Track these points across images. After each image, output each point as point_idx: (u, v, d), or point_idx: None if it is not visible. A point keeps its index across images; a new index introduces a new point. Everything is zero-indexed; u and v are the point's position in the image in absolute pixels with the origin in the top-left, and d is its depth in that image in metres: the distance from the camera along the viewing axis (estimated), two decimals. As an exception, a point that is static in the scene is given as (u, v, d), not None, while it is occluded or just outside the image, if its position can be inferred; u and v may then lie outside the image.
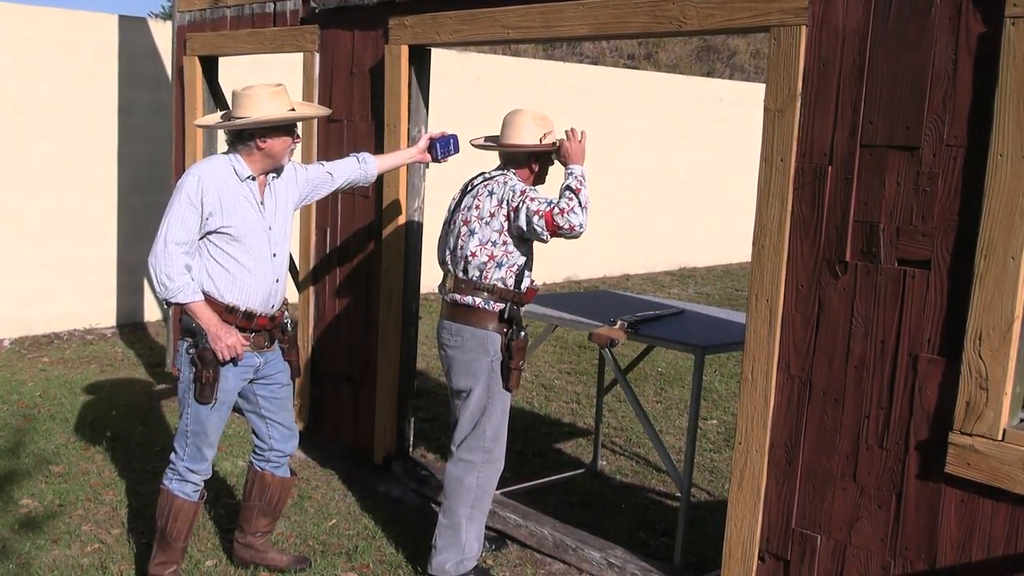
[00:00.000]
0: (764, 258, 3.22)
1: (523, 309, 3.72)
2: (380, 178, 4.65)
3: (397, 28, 4.52)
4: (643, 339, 3.99)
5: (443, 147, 4.03)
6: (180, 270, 3.25)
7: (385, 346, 4.71)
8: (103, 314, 8.07)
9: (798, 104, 3.12)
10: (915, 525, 2.92)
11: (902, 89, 2.89)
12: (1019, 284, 2.67)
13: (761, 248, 3.23)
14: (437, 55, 8.14)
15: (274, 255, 3.47)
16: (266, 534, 3.84)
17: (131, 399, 5.97)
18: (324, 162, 3.88)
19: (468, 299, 3.59)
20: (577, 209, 3.41)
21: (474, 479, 3.63)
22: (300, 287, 5.27)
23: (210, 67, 6.04)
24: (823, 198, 3.08)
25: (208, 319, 3.29)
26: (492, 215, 3.53)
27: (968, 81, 2.76)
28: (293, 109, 3.43)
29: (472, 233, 3.57)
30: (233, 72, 6.19)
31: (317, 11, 5.00)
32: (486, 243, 3.54)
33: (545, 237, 3.45)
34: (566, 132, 3.64)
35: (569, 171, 3.54)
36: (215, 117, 3.60)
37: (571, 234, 3.43)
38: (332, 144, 4.99)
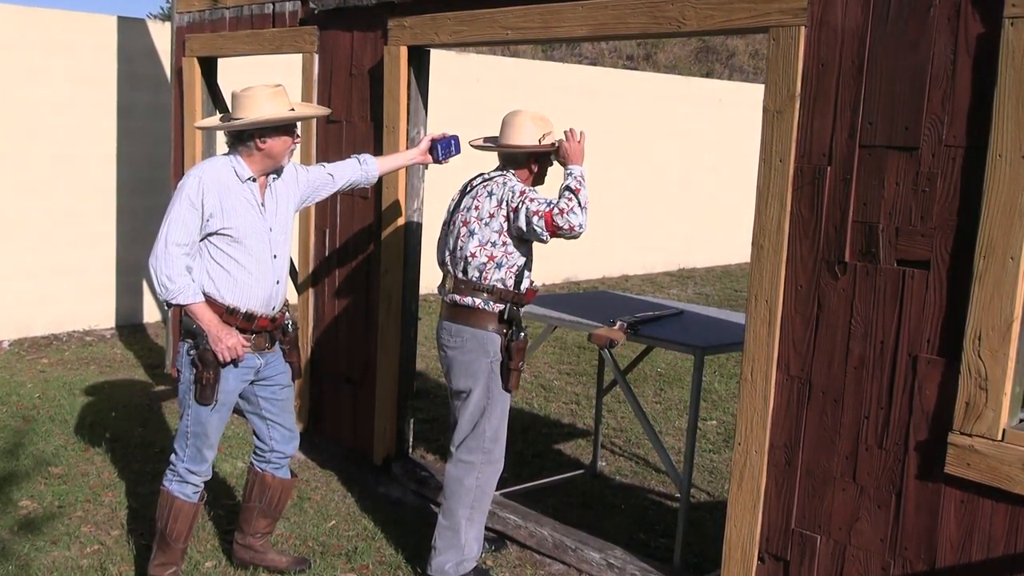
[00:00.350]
0: (763, 259, 3.22)
1: (523, 310, 3.72)
2: (379, 179, 4.66)
3: (396, 29, 4.52)
4: (642, 340, 3.99)
5: (444, 148, 4.03)
6: (181, 271, 3.25)
7: (384, 347, 4.71)
8: (102, 315, 8.07)
9: (797, 105, 3.12)
10: (915, 525, 2.92)
11: (901, 89, 2.89)
12: (1018, 284, 2.67)
13: (760, 249, 3.23)
14: (436, 56, 8.13)
15: (275, 256, 3.47)
16: (266, 535, 3.84)
17: (130, 400, 5.97)
18: (325, 164, 3.88)
19: (468, 300, 3.59)
20: (577, 209, 3.41)
21: (473, 480, 3.63)
22: (300, 288, 5.27)
23: (209, 68, 6.04)
24: (822, 198, 3.08)
25: (209, 320, 3.29)
26: (491, 216, 3.53)
27: (967, 81, 2.76)
28: (293, 109, 3.43)
29: (472, 234, 3.57)
30: (232, 73, 6.19)
31: (316, 12, 5.00)
32: (485, 244, 3.54)
33: (545, 237, 3.45)
34: (565, 132, 3.64)
35: (568, 171, 3.54)
36: (215, 119, 3.60)
37: (571, 234, 3.43)
38: (331, 145, 4.99)
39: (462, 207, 3.68)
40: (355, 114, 4.86)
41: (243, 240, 3.35)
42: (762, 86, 3.34)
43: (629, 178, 11.66)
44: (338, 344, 5.09)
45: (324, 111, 3.95)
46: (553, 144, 3.66)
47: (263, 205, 3.44)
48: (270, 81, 3.61)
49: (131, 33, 7.94)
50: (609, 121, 11.22)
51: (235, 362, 3.37)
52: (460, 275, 3.62)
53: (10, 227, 7.47)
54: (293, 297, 4.94)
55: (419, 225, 4.71)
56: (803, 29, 3.09)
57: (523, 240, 3.57)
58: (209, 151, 5.97)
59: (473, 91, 10.08)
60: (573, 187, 3.47)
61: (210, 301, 3.33)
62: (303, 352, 5.23)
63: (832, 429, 3.09)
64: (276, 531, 4.09)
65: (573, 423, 5.99)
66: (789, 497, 3.20)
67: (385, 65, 4.61)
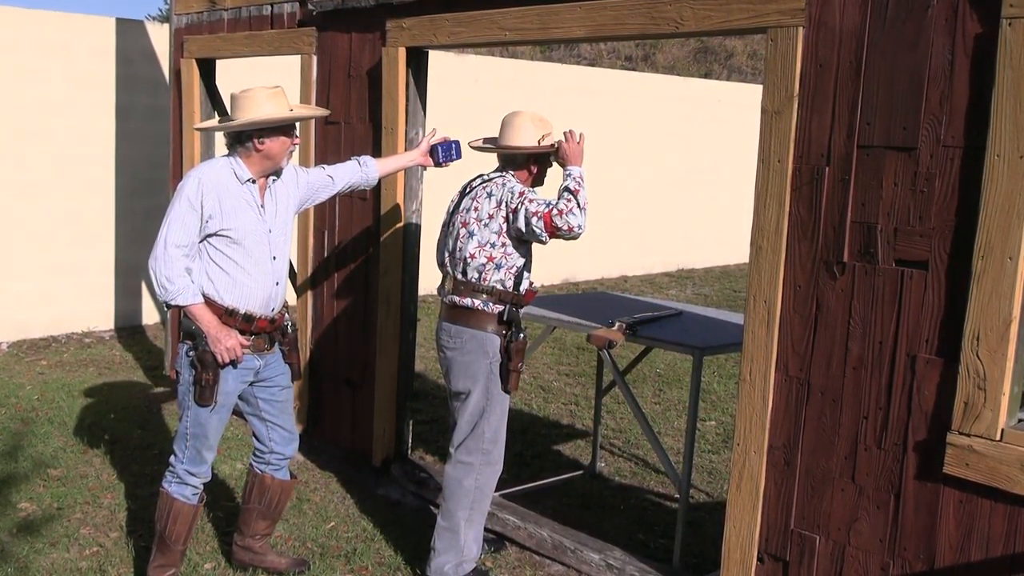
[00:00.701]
0: (762, 259, 3.22)
1: (522, 311, 3.72)
2: (378, 181, 4.66)
3: (395, 30, 4.53)
4: (641, 340, 4.00)
5: (445, 152, 4.03)
6: (180, 272, 3.25)
7: (383, 348, 4.71)
8: (101, 317, 8.07)
9: (795, 105, 3.12)
10: (914, 526, 2.92)
11: (899, 90, 2.89)
12: (1016, 285, 2.67)
13: (759, 249, 3.23)
14: (435, 57, 8.13)
15: (274, 258, 3.47)
16: (265, 536, 3.84)
17: (129, 402, 5.97)
18: (325, 166, 3.88)
19: (467, 301, 3.59)
20: (576, 210, 3.41)
21: (473, 481, 3.63)
22: (299, 290, 5.27)
23: (207, 70, 6.04)
24: (821, 199, 3.08)
25: (208, 321, 3.29)
26: (491, 217, 3.53)
27: (965, 82, 2.77)
28: (292, 110, 3.43)
29: (471, 235, 3.57)
30: (231, 75, 6.19)
31: (315, 13, 5.00)
32: (485, 245, 3.54)
33: (544, 238, 3.45)
34: (565, 133, 3.64)
35: (567, 172, 3.54)
36: (213, 121, 3.60)
37: (570, 235, 3.42)
38: (330, 146, 4.99)
39: (461, 208, 3.67)
40: (354, 115, 4.86)
41: (242, 241, 3.35)
42: (760, 87, 3.34)
43: (628, 179, 11.66)
44: (337, 345, 5.08)
45: (322, 112, 3.95)
46: (553, 145, 3.66)
47: (263, 207, 3.44)
48: (269, 83, 3.61)
49: (129, 35, 7.94)
50: (608, 122, 11.22)
51: (234, 363, 3.37)
52: (459, 276, 3.62)
53: (9, 228, 7.47)
54: (292, 298, 4.94)
55: (418, 226, 4.71)
56: (801, 30, 3.09)
57: (522, 241, 3.57)
58: (208, 153, 5.97)
59: (472, 92, 10.08)
60: (572, 188, 3.47)
61: (209, 302, 3.33)
62: (302, 353, 5.23)
63: (831, 429, 3.09)
64: (275, 532, 4.08)
65: (572, 424, 5.99)
66: (788, 497, 3.21)
67: (383, 66, 4.61)
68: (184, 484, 3.51)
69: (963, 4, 2.75)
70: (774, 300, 3.19)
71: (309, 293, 5.21)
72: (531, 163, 3.68)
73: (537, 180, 3.75)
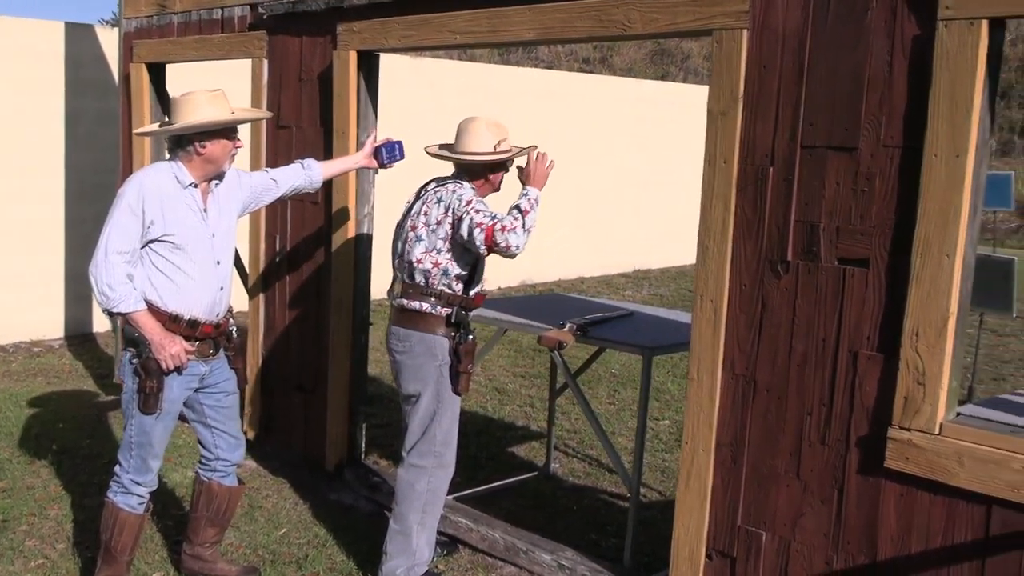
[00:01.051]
0: (708, 259, 3.26)
1: (473, 312, 3.72)
2: (329, 185, 4.64)
3: (345, 34, 4.51)
4: (592, 341, 4.01)
5: (389, 153, 4.03)
6: (122, 280, 3.20)
7: (336, 353, 4.68)
8: (50, 326, 7.94)
9: (740, 106, 3.15)
10: (856, 520, 2.96)
11: (840, 91, 2.94)
12: (953, 281, 2.73)
13: (705, 249, 3.27)
14: (390, 60, 8.10)
15: (218, 263, 3.43)
16: (215, 544, 3.80)
17: (78, 411, 5.88)
18: (268, 169, 3.85)
19: (416, 304, 3.58)
20: (520, 230, 3.36)
21: (425, 484, 3.62)
22: (250, 295, 5.23)
23: (157, 74, 5.98)
24: (765, 199, 3.12)
25: (151, 328, 3.25)
26: (438, 223, 3.52)
27: (903, 83, 2.82)
28: (233, 113, 3.40)
29: (419, 239, 3.57)
30: (182, 79, 6.12)
31: (265, 17, 4.97)
32: (431, 250, 3.54)
33: (482, 250, 3.41)
34: (533, 154, 3.62)
35: (525, 192, 3.51)
36: (155, 125, 3.56)
37: (506, 253, 3.37)
38: (281, 150, 4.96)
39: (414, 211, 3.66)
40: (305, 119, 4.84)
41: (186, 247, 3.31)
42: (715, 89, 3.37)
43: (585, 181, 11.71)
44: (289, 351, 5.05)
45: (264, 114, 3.92)
46: (510, 151, 3.65)
47: (205, 211, 3.41)
48: (220, 87, 3.58)
49: (79, 39, 7.83)
50: (564, 124, 11.26)
51: (179, 370, 3.33)
52: (408, 279, 3.61)
53: (-46, 236, 7.33)
54: (244, 304, 4.90)
55: (370, 230, 4.70)
56: (745, 32, 3.13)
57: (467, 248, 3.56)
58: (158, 158, 5.90)
59: (428, 95, 10.07)
60: (523, 208, 3.43)
61: (152, 309, 3.29)
62: (254, 359, 5.19)
63: (776, 426, 3.13)
64: (226, 540, 4.05)
65: (527, 425, 6.00)
66: (735, 494, 3.24)
67: (334, 70, 4.60)
68: (130, 494, 3.46)
69: (901, 6, 2.80)
70: (720, 299, 3.22)
71: (261, 298, 5.17)
72: (487, 171, 3.66)
73: (494, 187, 3.72)
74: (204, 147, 3.32)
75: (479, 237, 3.38)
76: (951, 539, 2.78)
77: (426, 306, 3.57)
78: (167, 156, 3.43)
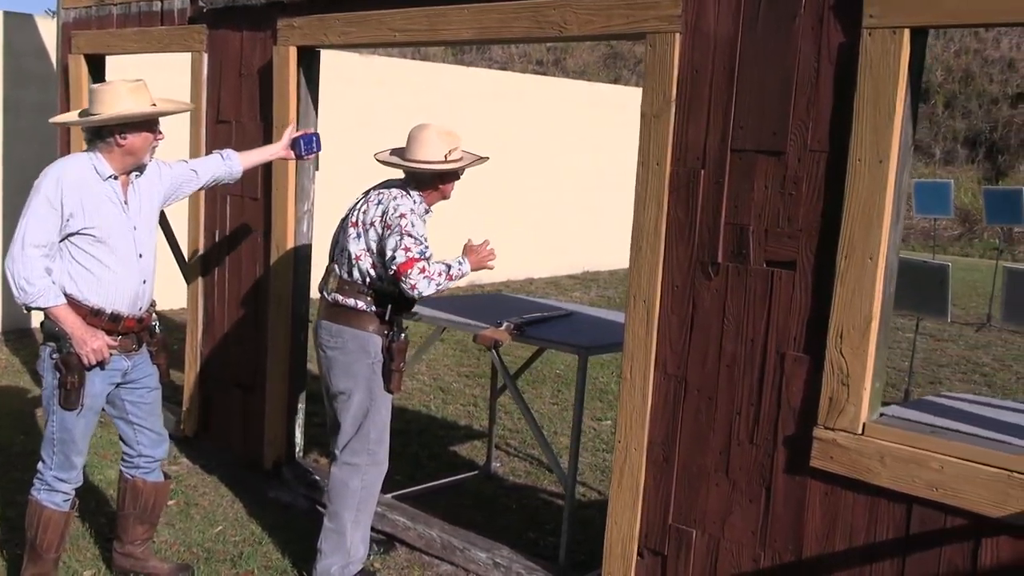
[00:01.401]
0: (641, 260, 3.29)
1: (411, 310, 3.72)
2: (269, 181, 4.62)
3: (285, 29, 4.48)
4: (528, 340, 4.03)
5: (306, 144, 4.05)
6: (40, 274, 3.15)
7: (274, 350, 4.65)
8: (-13, 321, 7.79)
9: (673, 109, 3.19)
10: (783, 518, 3.01)
11: (769, 96, 2.99)
12: (877, 284, 2.79)
13: (639, 250, 3.30)
14: (341, 58, 8.06)
15: (140, 255, 3.39)
16: (146, 541, 3.75)
17: (13, 407, 5.77)
18: (188, 159, 3.81)
19: (350, 301, 3.57)
20: (433, 284, 3.36)
21: (359, 482, 3.62)
22: (189, 291, 5.17)
23: (97, 66, 5.88)
24: (696, 201, 3.16)
25: (72, 323, 3.19)
26: (371, 224, 3.52)
27: (829, 89, 2.87)
28: (155, 104, 3.36)
29: (358, 237, 3.56)
30: (123, 71, 6.03)
31: (205, 11, 4.92)
32: (367, 250, 3.53)
33: (390, 271, 3.41)
34: (487, 246, 3.67)
35: (460, 262, 3.54)
36: (73, 115, 3.50)
37: (409, 291, 3.36)
38: (220, 145, 4.85)
39: (357, 208, 3.65)
40: (245, 114, 4.80)
41: (107, 240, 3.26)
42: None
43: (536, 182, 11.74)
44: (228, 348, 5.01)
45: (187, 106, 3.85)
46: (461, 159, 3.63)
47: (126, 203, 3.36)
48: (161, 80, 3.53)
49: (18, 29, 7.69)
50: (516, 125, 11.28)
51: (101, 365, 3.28)
52: (345, 275, 3.60)
53: None
54: (180, 301, 4.85)
55: (310, 227, 4.67)
56: (678, 36, 3.16)
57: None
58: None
59: (378, 93, 10.03)
60: (452, 272, 3.46)
61: (73, 303, 3.23)
62: (193, 357, 5.14)
63: (706, 426, 3.17)
64: (160, 538, 4.00)
65: (470, 425, 6.00)
66: (667, 493, 3.27)
67: (275, 65, 4.56)
68: (54, 491, 3.41)
69: (827, 14, 2.86)
70: (653, 300, 3.25)
71: (199, 295, 5.11)
72: (438, 180, 3.63)
73: (443, 196, 3.70)
74: (125, 139, 3.27)
75: (399, 258, 3.36)
76: (873, 537, 2.84)
77: (361, 304, 3.56)
78: (85, 147, 3.37)
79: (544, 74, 21.89)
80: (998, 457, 2.60)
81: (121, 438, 3.63)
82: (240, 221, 4.86)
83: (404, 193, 3.55)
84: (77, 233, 3.21)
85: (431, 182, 3.62)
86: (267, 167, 4.60)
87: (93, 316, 3.26)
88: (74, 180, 3.21)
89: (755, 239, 3.04)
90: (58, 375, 3.25)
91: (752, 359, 3.06)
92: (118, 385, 3.44)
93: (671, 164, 3.21)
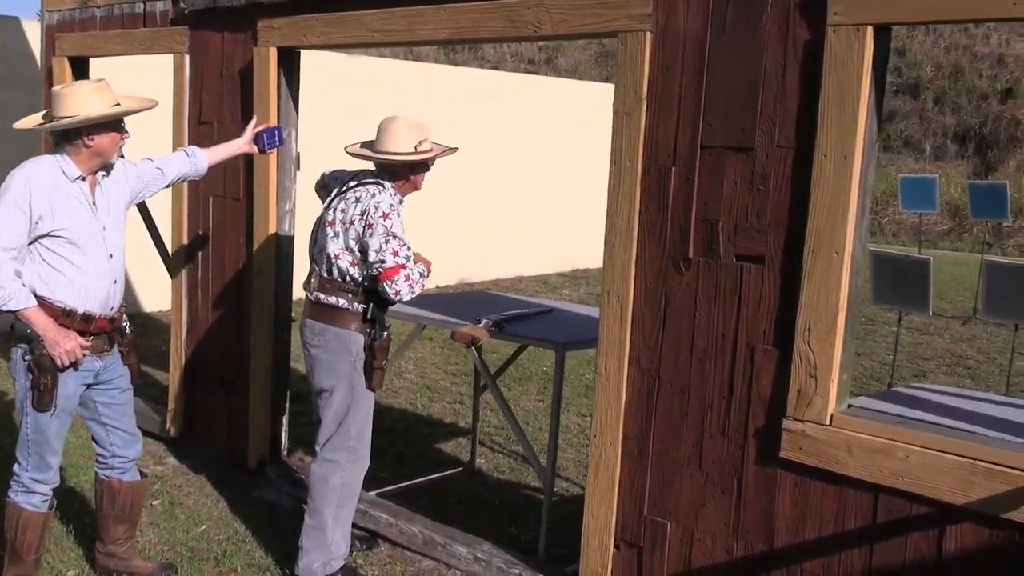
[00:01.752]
0: (615, 256, 3.33)
1: (392, 308, 3.76)
2: (250, 181, 4.65)
3: (266, 30, 4.51)
4: (507, 337, 4.07)
5: (269, 138, 4.11)
6: (10, 276, 3.17)
7: (258, 349, 4.68)
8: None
9: (644, 107, 3.23)
10: (755, 508, 3.05)
11: (738, 93, 3.02)
12: (843, 278, 2.83)
13: (612, 247, 3.34)
14: (332, 58, 8.07)
15: (111, 256, 3.41)
16: (128, 541, 3.78)
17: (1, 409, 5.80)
18: (153, 157, 3.84)
19: (332, 300, 3.60)
20: (413, 290, 3.48)
21: (339, 478, 3.65)
22: (173, 291, 5.20)
23: (80, 68, 5.90)
24: (668, 198, 3.20)
25: (44, 324, 3.22)
26: (352, 223, 3.54)
27: (796, 86, 2.91)
28: (118, 104, 3.38)
29: (336, 236, 3.58)
30: (106, 73, 6.05)
31: (187, 12, 4.94)
32: (347, 248, 3.56)
33: (372, 272, 3.48)
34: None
35: (422, 270, 3.62)
36: (36, 118, 3.52)
37: (391, 296, 3.46)
38: (203, 146, 4.92)
39: (333, 206, 3.68)
40: (226, 115, 4.83)
41: (77, 241, 3.28)
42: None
43: (526, 180, 11.77)
44: (212, 347, 5.04)
45: (151, 103, 3.86)
46: (431, 150, 3.67)
47: (95, 204, 3.38)
48: (143, 82, 3.55)
49: (5, 32, 7.71)
50: (507, 124, 11.31)
51: (75, 365, 3.31)
52: (325, 274, 3.63)
53: None
54: (165, 302, 4.87)
55: (291, 227, 4.70)
56: (648, 35, 3.20)
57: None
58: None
59: (368, 94, 10.04)
60: (424, 282, 3.57)
61: (44, 305, 3.25)
62: (178, 356, 5.17)
63: (679, 419, 3.21)
64: (145, 537, 4.04)
65: (455, 422, 6.04)
66: (641, 486, 3.31)
67: (255, 66, 4.59)
68: (31, 492, 3.43)
69: (794, 12, 2.90)
70: (626, 296, 3.29)
71: (183, 295, 5.14)
72: (409, 171, 3.68)
73: (413, 187, 3.75)
74: (92, 140, 3.29)
75: (387, 263, 3.43)
76: (842, 526, 2.88)
77: (342, 302, 3.59)
78: (53, 149, 3.39)
79: (536, 73, 21.95)
80: (962, 446, 2.65)
81: (94, 439, 3.65)
82: (223, 221, 4.89)
83: (381, 188, 3.59)
84: (47, 235, 3.23)
85: (403, 172, 3.67)
86: (248, 168, 4.64)
87: (65, 317, 3.29)
88: (42, 182, 3.23)
89: (725, 234, 3.08)
90: (31, 377, 3.27)
91: (723, 353, 3.10)
92: (90, 386, 3.47)
93: (643, 161, 3.25)
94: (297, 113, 4.66)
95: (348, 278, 3.57)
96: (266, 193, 4.60)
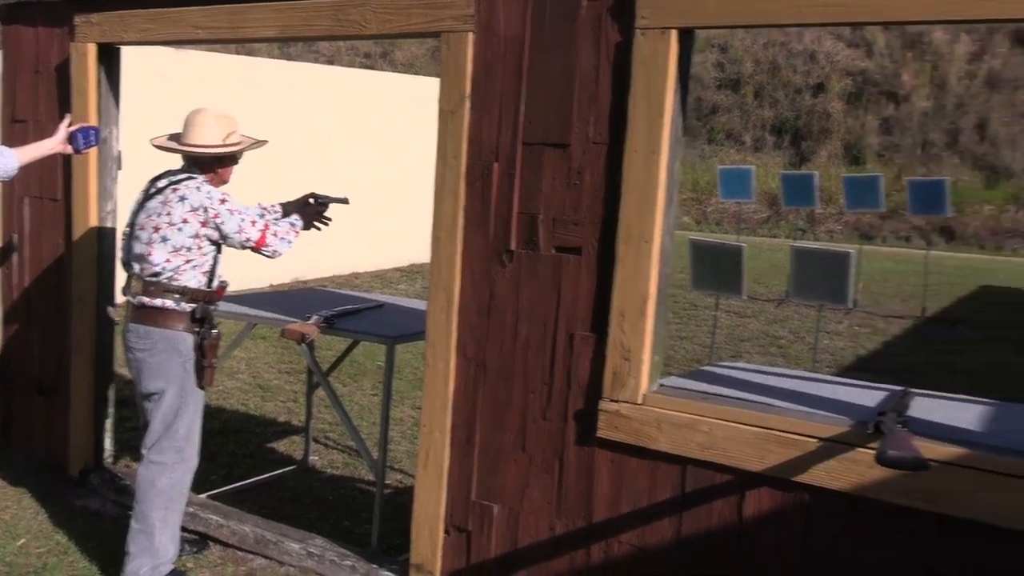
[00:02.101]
0: (441, 250, 3.43)
1: (220, 307, 3.74)
2: (69, 182, 4.50)
3: (84, 26, 4.38)
4: (338, 333, 4.10)
5: (85, 138, 4.01)
6: None
7: (79, 353, 4.53)
8: None
9: (467, 105, 3.34)
10: (575, 487, 3.21)
11: (555, 91, 3.18)
12: (652, 266, 3.02)
13: (438, 241, 3.44)
14: (156, 52, 7.85)
15: None
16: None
17: None
18: None
19: (158, 301, 3.54)
20: (289, 241, 3.69)
21: (167, 480, 3.59)
22: (-15, 296, 4.96)
23: None
24: (491, 193, 3.32)
25: None
26: (185, 221, 3.49)
27: (608, 85, 3.08)
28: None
29: (164, 240, 3.50)
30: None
31: (-3, 5, 4.73)
32: (180, 249, 3.50)
33: (246, 247, 3.60)
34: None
35: (296, 219, 3.85)
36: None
37: (269, 256, 3.66)
38: (16, 146, 4.72)
39: (148, 209, 3.59)
40: (43, 113, 4.64)
41: None
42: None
43: (361, 176, 11.70)
44: (30, 353, 4.83)
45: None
46: (240, 143, 3.67)
47: None
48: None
49: None
50: (340, 119, 11.24)
51: None
52: (149, 278, 3.55)
53: None
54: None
55: (113, 227, 4.57)
56: (471, 35, 3.31)
57: (216, 243, 3.58)
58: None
59: (195, 90, 9.76)
60: (297, 227, 3.78)
61: None
62: (-8, 363, 4.94)
63: (504, 405, 3.34)
64: (-43, 553, 3.85)
65: (289, 421, 6.01)
66: (469, 472, 3.42)
67: (73, 63, 4.45)
68: None
69: (605, 15, 3.07)
70: (452, 288, 3.40)
71: (-3, 299, 4.92)
72: (217, 163, 3.67)
73: (222, 180, 3.73)
74: None
75: (253, 236, 3.57)
76: (655, 498, 3.08)
77: (169, 303, 3.54)
78: None
79: (372, 67, 21.83)
80: (758, 417, 2.88)
81: None
82: (40, 223, 4.70)
83: (198, 180, 3.58)
84: None
85: (210, 165, 3.67)
86: (67, 168, 4.50)
87: None
88: None
89: (544, 227, 3.23)
90: None
91: (544, 340, 3.25)
92: None
93: (467, 158, 3.36)
94: (119, 110, 4.54)
95: (177, 279, 3.52)
96: (85, 193, 4.46)
